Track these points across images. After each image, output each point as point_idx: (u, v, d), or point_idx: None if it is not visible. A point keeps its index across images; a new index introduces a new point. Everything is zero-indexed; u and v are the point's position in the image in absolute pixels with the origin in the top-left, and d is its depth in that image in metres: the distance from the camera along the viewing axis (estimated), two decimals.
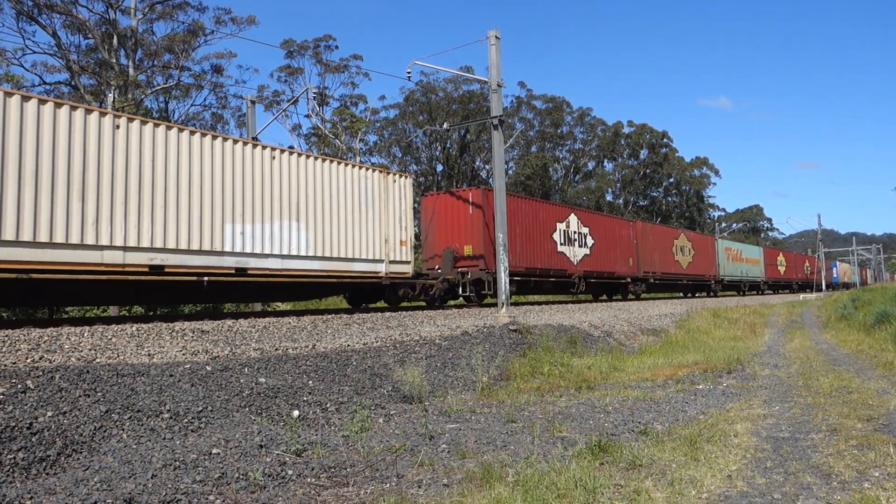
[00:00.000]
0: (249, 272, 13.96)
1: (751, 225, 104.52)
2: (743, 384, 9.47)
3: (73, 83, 33.63)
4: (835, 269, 79.34)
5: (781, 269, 56.63)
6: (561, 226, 25.16)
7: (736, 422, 6.91)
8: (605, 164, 75.62)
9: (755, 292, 50.45)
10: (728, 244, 45.75)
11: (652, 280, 32.19)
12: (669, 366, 11.69)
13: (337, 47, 53.81)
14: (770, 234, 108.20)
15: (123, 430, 6.19)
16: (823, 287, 63.59)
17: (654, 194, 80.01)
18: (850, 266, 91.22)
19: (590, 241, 27.22)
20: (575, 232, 26.19)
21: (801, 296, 50.76)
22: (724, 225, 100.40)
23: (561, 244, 24.91)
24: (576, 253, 25.93)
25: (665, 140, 78.01)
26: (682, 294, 41.80)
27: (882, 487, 4.67)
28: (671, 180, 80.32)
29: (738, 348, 14.49)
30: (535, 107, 66.36)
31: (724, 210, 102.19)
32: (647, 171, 77.09)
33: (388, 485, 5.29)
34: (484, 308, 19.87)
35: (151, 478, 5.24)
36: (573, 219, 26.38)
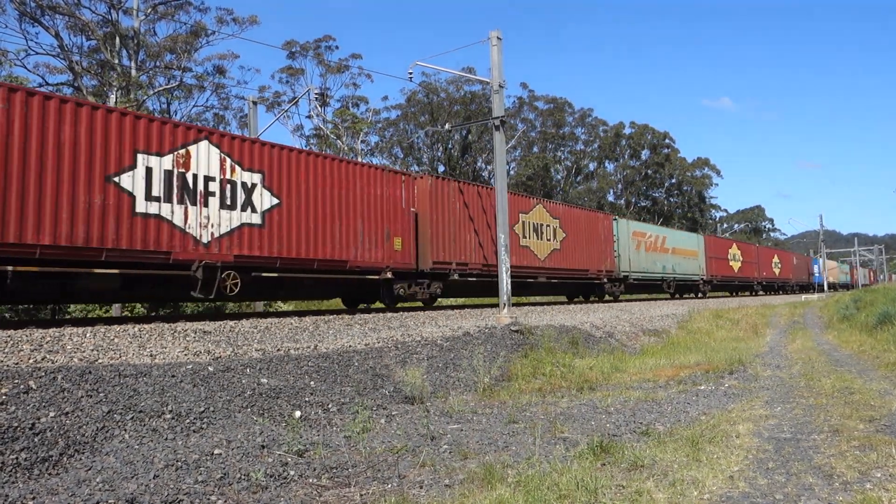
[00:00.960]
0: None
1: (752, 225, 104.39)
2: (745, 385, 9.46)
3: (75, 84, 33.69)
4: (816, 266, 66.63)
5: (735, 264, 44.13)
6: (161, 163, 12.25)
7: (738, 422, 6.90)
8: (607, 164, 75.67)
9: (692, 295, 39.26)
10: (638, 227, 31.82)
11: (456, 276, 18.83)
12: (671, 366, 11.69)
13: (337, 47, 53.93)
14: (772, 234, 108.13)
15: (125, 430, 6.21)
16: (826, 288, 63.01)
17: (656, 195, 79.98)
18: (837, 264, 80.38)
19: (265, 201, 14.07)
20: (216, 179, 13.19)
21: (803, 296, 50.62)
22: (725, 226, 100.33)
23: (158, 200, 12.21)
24: (216, 221, 13.10)
25: (667, 140, 78.03)
26: (566, 298, 29.73)
27: (884, 488, 4.66)
28: (673, 181, 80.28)
29: (740, 349, 14.47)
30: (536, 107, 66.40)
31: (725, 211, 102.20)
32: (649, 171, 77.07)
33: (389, 485, 5.30)
34: (485, 309, 19.86)
35: (153, 478, 5.25)
36: (208, 153, 13.13)
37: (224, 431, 6.54)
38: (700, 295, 39.32)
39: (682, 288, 37.93)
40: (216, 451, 5.93)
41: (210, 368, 7.74)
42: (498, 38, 16.27)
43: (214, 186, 13.31)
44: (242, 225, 13.74)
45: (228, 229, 13.47)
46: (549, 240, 23.81)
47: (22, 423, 5.73)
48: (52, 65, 34.90)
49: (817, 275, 65.04)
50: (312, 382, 8.32)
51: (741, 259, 45.29)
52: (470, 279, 19.61)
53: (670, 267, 33.85)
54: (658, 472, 5.15)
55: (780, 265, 54.76)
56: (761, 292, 51.82)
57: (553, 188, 66.39)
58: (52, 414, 6.02)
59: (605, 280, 27.67)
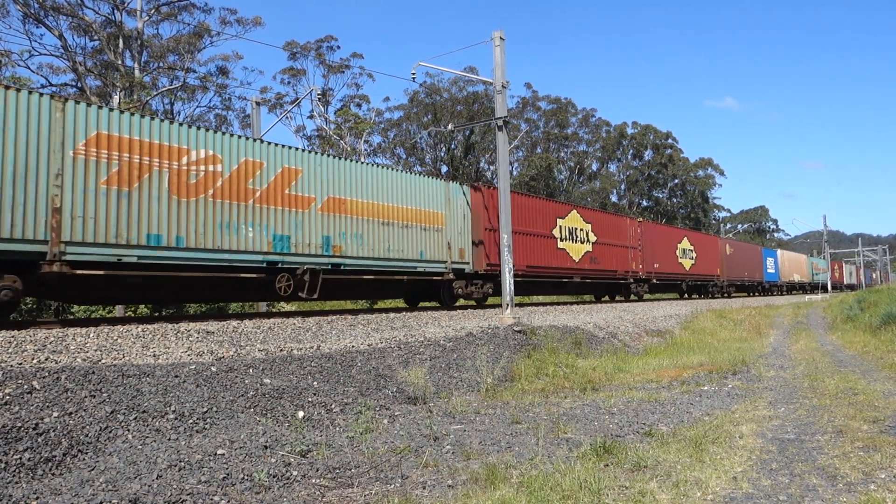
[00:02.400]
0: None
1: (756, 226, 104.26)
2: (748, 385, 9.44)
3: (79, 85, 33.78)
4: (771, 260, 50.71)
5: (577, 249, 24.55)
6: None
7: (741, 423, 6.89)
8: (610, 165, 75.62)
9: (388, 307, 20.43)
10: (135, 129, 11.76)
11: None
12: (674, 367, 11.67)
13: (339, 47, 54.09)
14: (776, 234, 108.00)
15: (129, 430, 6.21)
16: (829, 287, 62.55)
17: (659, 195, 79.93)
18: (810, 260, 64.70)
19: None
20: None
21: (807, 297, 50.42)
22: (729, 226, 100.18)
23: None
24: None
25: (669, 140, 78.01)
26: None
27: (888, 489, 4.65)
28: (676, 181, 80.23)
29: (744, 349, 14.45)
30: (539, 108, 66.39)
31: (729, 211, 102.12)
32: (652, 172, 77.03)
33: (392, 486, 5.30)
34: (488, 309, 19.85)
35: (157, 478, 5.25)
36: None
37: (227, 432, 6.55)
38: (478, 303, 20.58)
39: (386, 288, 18.25)
40: (219, 452, 5.93)
41: (213, 369, 7.75)
42: (501, 38, 16.26)
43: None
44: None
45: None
46: None
47: (25, 424, 5.74)
48: (55, 65, 35.04)
49: (772, 271, 50.15)
50: (315, 383, 8.32)
51: (594, 240, 25.70)
52: None
53: (328, 240, 14.99)
54: (661, 473, 5.14)
55: (693, 255, 35.74)
56: (648, 295, 34.16)
57: (556, 188, 66.38)
58: (55, 414, 6.03)
59: None
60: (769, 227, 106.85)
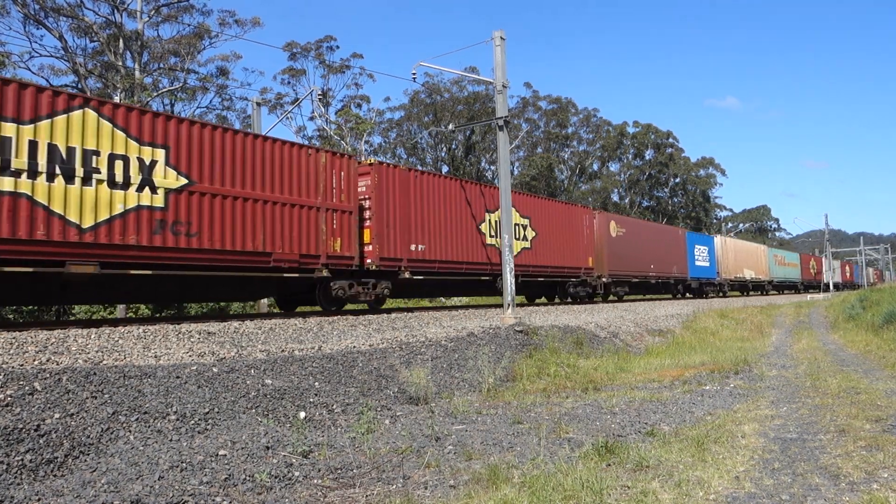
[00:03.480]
0: None
1: (758, 225, 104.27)
2: (750, 385, 9.43)
3: (79, 86, 33.80)
4: (703, 249, 37.31)
5: (106, 198, 10.46)
6: None
7: (743, 423, 6.88)
8: (611, 164, 75.64)
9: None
10: None
11: None
12: (676, 367, 11.66)
13: (338, 47, 54.13)
14: (777, 234, 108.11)
15: (130, 431, 6.21)
16: (831, 287, 62.43)
17: (660, 195, 79.92)
18: (771, 251, 50.83)
19: None
20: None
21: (809, 296, 50.33)
22: (730, 225, 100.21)
23: None
24: None
25: (670, 140, 78.04)
26: None
27: (891, 489, 4.64)
28: (677, 180, 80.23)
29: (746, 349, 14.44)
30: (540, 107, 66.37)
31: (731, 210, 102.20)
32: (653, 171, 77.04)
33: (394, 486, 5.29)
34: (489, 309, 19.85)
35: (158, 479, 5.25)
36: None
37: (229, 432, 6.54)
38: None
39: None
40: (221, 452, 5.93)
41: (214, 369, 7.75)
42: (501, 38, 16.25)
43: None
44: None
45: None
46: None
47: (27, 425, 5.74)
48: (56, 66, 35.13)
49: (704, 265, 36.82)
50: (317, 383, 8.32)
51: (175, 186, 11.54)
52: None
53: None
54: (663, 473, 5.14)
55: (530, 234, 22.17)
56: (399, 302, 24.25)
57: (557, 188, 66.37)
58: (56, 415, 6.03)
59: None
60: (771, 227, 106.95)
